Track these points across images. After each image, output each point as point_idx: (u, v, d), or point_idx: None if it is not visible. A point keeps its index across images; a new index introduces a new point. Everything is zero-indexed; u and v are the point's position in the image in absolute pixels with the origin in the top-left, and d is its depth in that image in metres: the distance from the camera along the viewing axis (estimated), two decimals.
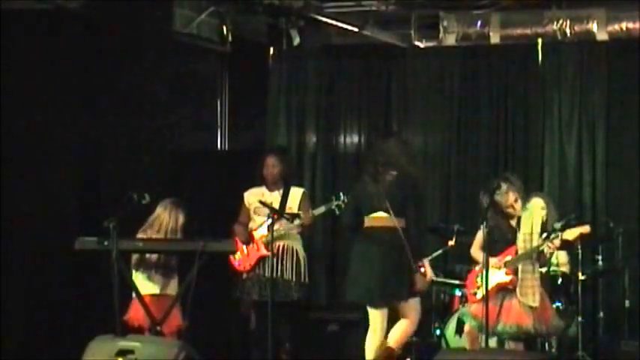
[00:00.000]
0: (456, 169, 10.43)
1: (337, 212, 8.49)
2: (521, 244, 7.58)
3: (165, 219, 7.79)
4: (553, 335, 7.86)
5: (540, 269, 7.73)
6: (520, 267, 7.55)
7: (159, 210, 7.81)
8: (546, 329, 7.55)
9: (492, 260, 7.55)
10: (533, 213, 7.56)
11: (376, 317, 7.44)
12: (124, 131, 8.81)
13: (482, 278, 7.58)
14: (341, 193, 8.53)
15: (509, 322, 7.51)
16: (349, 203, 7.83)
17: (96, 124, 8.76)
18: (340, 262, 10.53)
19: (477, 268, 7.81)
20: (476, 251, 7.86)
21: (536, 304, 7.44)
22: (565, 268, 8.83)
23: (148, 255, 7.74)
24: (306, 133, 10.84)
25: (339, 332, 9.32)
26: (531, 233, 7.53)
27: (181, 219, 7.82)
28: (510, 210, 7.65)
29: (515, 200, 7.63)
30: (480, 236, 7.75)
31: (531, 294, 7.47)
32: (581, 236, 7.63)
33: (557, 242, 7.55)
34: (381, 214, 7.34)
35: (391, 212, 7.24)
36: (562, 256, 8.85)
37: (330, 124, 10.83)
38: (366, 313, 7.55)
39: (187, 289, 7.23)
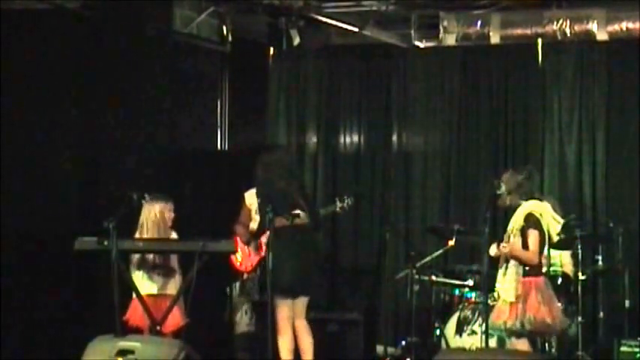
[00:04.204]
0: (456, 169, 10.43)
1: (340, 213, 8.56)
2: (506, 239, 7.51)
3: (145, 214, 7.80)
4: (535, 332, 7.69)
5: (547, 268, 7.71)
6: (503, 264, 7.49)
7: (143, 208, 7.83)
8: (521, 324, 7.34)
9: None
10: (521, 213, 7.48)
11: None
12: (124, 131, 8.81)
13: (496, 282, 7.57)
14: (345, 196, 8.54)
15: (492, 319, 7.47)
16: None
17: (96, 124, 8.75)
18: (340, 262, 10.56)
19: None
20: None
21: (512, 299, 7.36)
22: (568, 269, 8.81)
23: (148, 255, 7.74)
24: (306, 133, 10.84)
25: (339, 332, 9.32)
26: (510, 232, 7.47)
27: (159, 210, 7.79)
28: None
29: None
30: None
31: (508, 289, 7.40)
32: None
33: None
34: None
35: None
36: (565, 257, 8.83)
37: (330, 124, 10.84)
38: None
39: (187, 289, 7.24)
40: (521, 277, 7.39)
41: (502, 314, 7.40)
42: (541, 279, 7.52)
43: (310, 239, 8.02)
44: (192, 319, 7.63)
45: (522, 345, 7.49)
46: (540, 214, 7.43)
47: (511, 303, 7.36)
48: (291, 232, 7.76)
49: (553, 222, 7.50)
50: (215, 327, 8.98)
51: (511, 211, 7.56)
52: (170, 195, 7.96)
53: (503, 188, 7.51)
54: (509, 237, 7.43)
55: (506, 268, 7.43)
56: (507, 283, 7.40)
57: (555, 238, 7.57)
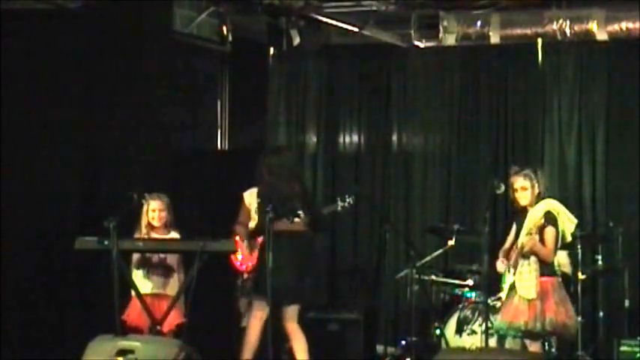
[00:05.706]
0: (456, 169, 10.43)
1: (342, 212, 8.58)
2: (524, 238, 7.48)
3: (142, 214, 7.81)
4: (553, 333, 7.71)
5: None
6: (519, 261, 7.48)
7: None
8: (541, 326, 7.36)
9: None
10: (540, 211, 7.46)
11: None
12: (124, 131, 8.80)
13: (503, 282, 7.56)
14: (346, 195, 8.55)
15: (504, 319, 7.45)
16: None
17: (96, 124, 8.75)
18: (340, 262, 10.56)
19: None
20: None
21: (533, 296, 7.33)
22: (566, 269, 8.80)
23: (148, 254, 7.74)
24: (306, 133, 10.85)
25: (339, 332, 9.32)
26: (530, 228, 7.43)
27: (154, 209, 7.78)
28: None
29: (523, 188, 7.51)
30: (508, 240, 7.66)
31: (529, 287, 7.37)
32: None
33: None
34: None
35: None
36: (562, 257, 8.81)
37: (330, 124, 10.84)
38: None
39: (187, 289, 7.24)
40: (538, 274, 7.37)
41: (520, 314, 7.35)
42: (555, 279, 7.51)
43: (306, 246, 8.02)
44: (192, 319, 7.62)
45: (535, 347, 7.47)
46: (558, 213, 7.42)
47: (529, 301, 7.32)
48: (287, 238, 7.75)
49: (568, 222, 7.49)
50: (215, 327, 8.97)
51: (520, 212, 7.54)
52: (170, 195, 7.97)
53: (538, 189, 7.47)
54: (528, 233, 7.37)
55: (522, 265, 7.40)
56: (527, 280, 7.35)
57: (569, 239, 7.56)
